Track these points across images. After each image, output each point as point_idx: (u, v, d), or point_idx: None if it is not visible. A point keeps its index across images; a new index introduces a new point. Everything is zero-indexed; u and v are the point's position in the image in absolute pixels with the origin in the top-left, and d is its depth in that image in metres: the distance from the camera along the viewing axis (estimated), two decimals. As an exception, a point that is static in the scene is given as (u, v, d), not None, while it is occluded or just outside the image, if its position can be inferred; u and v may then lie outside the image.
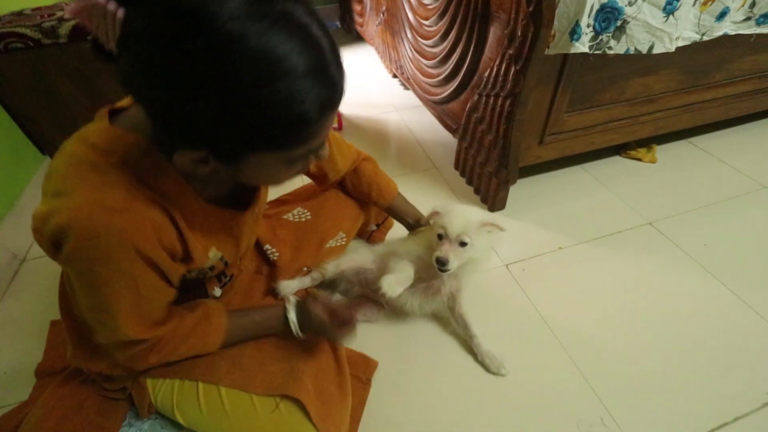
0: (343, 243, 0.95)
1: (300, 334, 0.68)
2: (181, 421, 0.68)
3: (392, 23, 1.74)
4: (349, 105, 1.81)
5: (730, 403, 0.78)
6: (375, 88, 2.00)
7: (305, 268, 0.88)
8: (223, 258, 0.64)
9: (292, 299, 0.71)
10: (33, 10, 1.32)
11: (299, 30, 0.38)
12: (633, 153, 1.43)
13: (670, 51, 1.02)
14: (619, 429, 0.75)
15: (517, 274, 1.04)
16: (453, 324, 0.91)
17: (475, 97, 1.14)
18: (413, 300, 0.86)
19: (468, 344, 0.88)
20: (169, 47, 0.35)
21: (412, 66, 1.60)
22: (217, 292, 0.74)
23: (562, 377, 0.83)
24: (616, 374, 0.83)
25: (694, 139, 1.52)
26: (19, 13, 1.30)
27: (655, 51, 1.01)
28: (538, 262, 1.07)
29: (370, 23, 2.09)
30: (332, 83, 0.42)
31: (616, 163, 1.42)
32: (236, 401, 0.64)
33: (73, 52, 1.21)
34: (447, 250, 0.76)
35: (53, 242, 0.46)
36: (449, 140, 1.57)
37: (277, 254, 0.87)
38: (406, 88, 1.95)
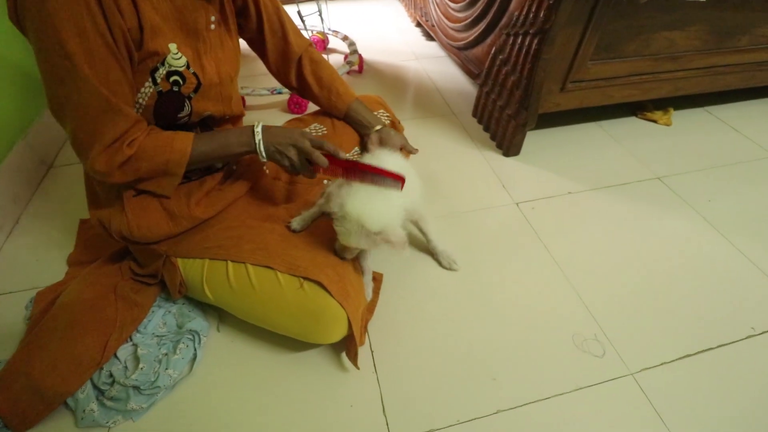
0: (358, 157, 0.96)
1: (263, 154, 0.68)
2: (209, 296, 0.74)
3: (420, -33, 1.71)
4: (370, 51, 1.81)
5: (716, 331, 0.84)
6: (397, 36, 1.98)
7: (325, 180, 0.91)
8: (189, 67, 0.63)
9: (258, 128, 0.69)
10: None
11: None
12: (649, 114, 1.45)
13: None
14: (610, 344, 0.81)
15: (526, 212, 1.08)
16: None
17: (503, 38, 1.15)
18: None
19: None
20: None
21: (438, 11, 1.59)
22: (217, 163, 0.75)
23: (560, 297, 0.89)
24: (611, 299, 0.89)
25: (711, 108, 1.53)
26: None
27: (688, -1, 1.01)
28: (548, 203, 1.11)
29: (396, -31, 2.04)
30: None
31: (632, 122, 1.44)
32: (263, 278, 0.69)
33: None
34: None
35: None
36: (469, 89, 1.59)
37: None
38: (429, 39, 1.94)
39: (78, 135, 0.57)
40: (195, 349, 0.75)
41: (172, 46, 0.60)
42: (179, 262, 0.74)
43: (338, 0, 2.36)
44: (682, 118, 1.47)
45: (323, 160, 0.69)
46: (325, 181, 0.86)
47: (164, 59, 0.60)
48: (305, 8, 1.61)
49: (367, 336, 0.81)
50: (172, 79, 0.62)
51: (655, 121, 1.44)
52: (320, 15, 1.64)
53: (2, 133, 1.05)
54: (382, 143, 0.87)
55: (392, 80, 1.66)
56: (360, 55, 1.65)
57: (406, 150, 0.91)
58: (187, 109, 0.67)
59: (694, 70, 1.30)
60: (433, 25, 1.70)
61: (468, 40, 1.38)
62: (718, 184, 1.20)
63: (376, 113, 0.92)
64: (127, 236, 0.70)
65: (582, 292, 0.90)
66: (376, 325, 0.83)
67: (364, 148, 0.90)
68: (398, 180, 0.66)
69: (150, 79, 0.60)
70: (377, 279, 0.89)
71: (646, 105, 1.46)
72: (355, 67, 1.63)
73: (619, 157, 1.28)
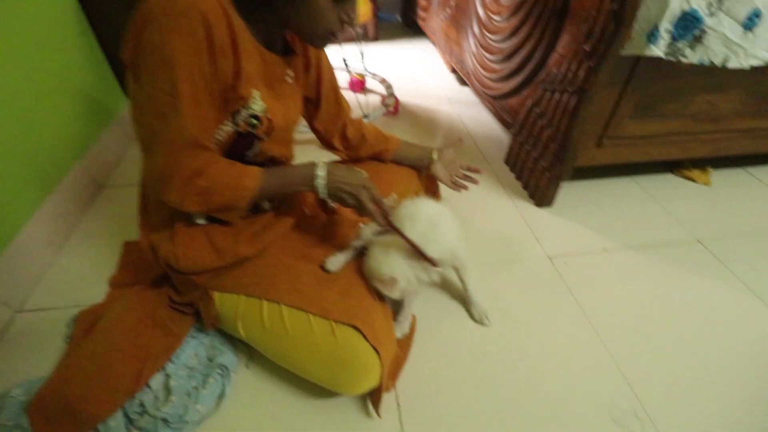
0: (395, 205, 0.99)
1: (325, 193, 0.71)
2: (242, 333, 0.75)
3: (459, 18, 1.79)
4: (405, 93, 1.88)
5: (764, 420, 0.79)
6: (431, 80, 2.06)
7: (361, 225, 0.93)
8: (265, 112, 0.68)
9: (322, 162, 0.73)
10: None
11: None
12: (687, 172, 1.43)
13: (744, 68, 1.02)
14: (651, 423, 0.77)
15: (559, 267, 1.06)
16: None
17: (539, 92, 1.18)
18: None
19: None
20: None
21: (475, 61, 1.64)
22: (266, 204, 0.81)
23: (596, 363, 0.86)
24: (650, 368, 0.85)
25: (751, 169, 1.50)
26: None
27: (729, 65, 1.02)
28: (582, 259, 1.09)
29: (434, 17, 2.15)
30: None
31: (668, 180, 1.42)
32: (296, 320, 0.70)
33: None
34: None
35: (136, 30, 0.55)
36: (501, 136, 1.61)
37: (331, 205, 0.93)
38: (463, 84, 2.00)
39: (161, 166, 0.62)
40: (224, 385, 0.76)
41: (256, 93, 0.66)
42: (216, 295, 0.76)
43: (377, 43, 2.48)
44: (721, 177, 1.44)
45: (380, 220, 0.75)
46: (361, 225, 0.88)
47: (248, 103, 0.66)
48: (346, 50, 1.70)
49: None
50: (250, 121, 0.68)
51: (693, 180, 1.42)
52: (361, 57, 1.73)
53: (62, 154, 1.13)
54: (447, 168, 1.04)
55: (426, 123, 1.71)
56: (396, 98, 1.72)
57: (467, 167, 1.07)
58: (255, 149, 0.73)
59: (734, 132, 1.29)
60: (468, 73, 1.76)
61: (503, 91, 1.42)
62: (761, 250, 1.15)
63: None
64: (172, 264, 0.73)
65: (619, 359, 0.86)
66: (403, 370, 0.82)
67: (426, 175, 1.06)
68: (431, 262, 0.74)
69: (231, 120, 0.66)
70: (412, 320, 0.89)
71: (683, 163, 1.44)
72: (391, 109, 1.69)
73: (656, 216, 1.26)
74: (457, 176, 1.06)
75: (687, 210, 1.29)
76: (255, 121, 0.68)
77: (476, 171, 1.07)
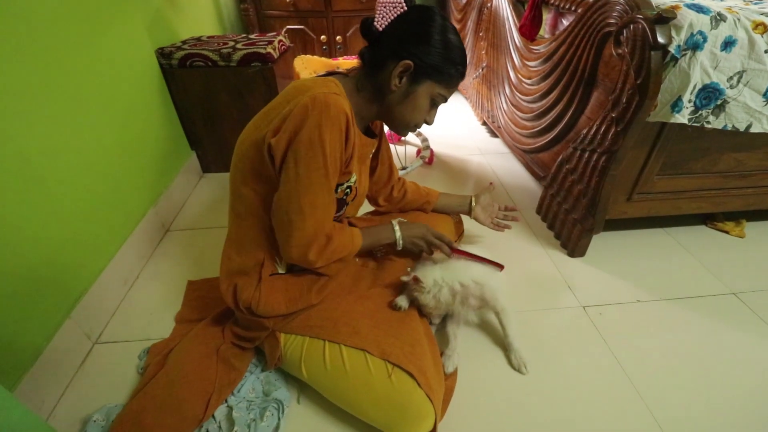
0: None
1: (401, 243, 0.94)
2: (304, 374, 0.82)
3: (490, 78, 1.93)
4: (438, 144, 2.00)
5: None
6: (464, 132, 2.18)
7: (408, 268, 1.01)
8: (355, 182, 0.85)
9: (395, 223, 0.95)
10: (208, 37, 1.67)
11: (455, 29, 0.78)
12: (720, 225, 1.45)
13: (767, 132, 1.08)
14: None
15: (593, 317, 1.10)
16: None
17: (569, 150, 1.26)
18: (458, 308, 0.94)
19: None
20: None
21: (506, 117, 1.76)
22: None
23: (631, 414, 0.87)
24: (688, 423, 0.85)
25: (788, 222, 1.50)
26: (198, 39, 1.65)
27: (753, 130, 1.08)
28: (616, 309, 1.12)
29: (466, 76, 2.31)
30: (465, 61, 0.80)
31: (702, 231, 1.44)
32: (355, 362, 0.77)
33: (237, 74, 1.52)
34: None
35: (294, 123, 0.69)
36: (532, 186, 1.69)
37: (382, 251, 1.03)
38: (494, 136, 2.11)
39: (311, 229, 0.75)
40: (279, 419, 0.82)
41: (355, 169, 0.84)
42: (282, 337, 0.84)
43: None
44: (756, 229, 1.45)
45: (446, 250, 0.98)
46: (408, 269, 0.97)
47: (350, 178, 0.83)
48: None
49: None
50: (346, 191, 0.85)
51: (727, 232, 1.44)
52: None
53: (142, 201, 1.29)
54: (486, 211, 1.20)
55: (458, 172, 1.81)
56: (431, 149, 1.84)
57: (505, 207, 1.23)
58: (342, 212, 0.90)
59: (764, 187, 1.32)
60: (500, 127, 1.87)
61: (534, 146, 1.52)
62: (802, 306, 1.15)
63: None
64: (252, 308, 0.83)
65: (654, 408, 0.88)
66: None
67: (455, 223, 1.22)
68: (498, 266, 0.98)
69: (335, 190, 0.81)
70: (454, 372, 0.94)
71: (717, 215, 1.47)
72: (427, 160, 1.81)
73: (690, 267, 1.28)
74: (497, 218, 1.19)
75: (721, 262, 1.30)
76: (348, 191, 0.85)
77: (514, 210, 1.21)
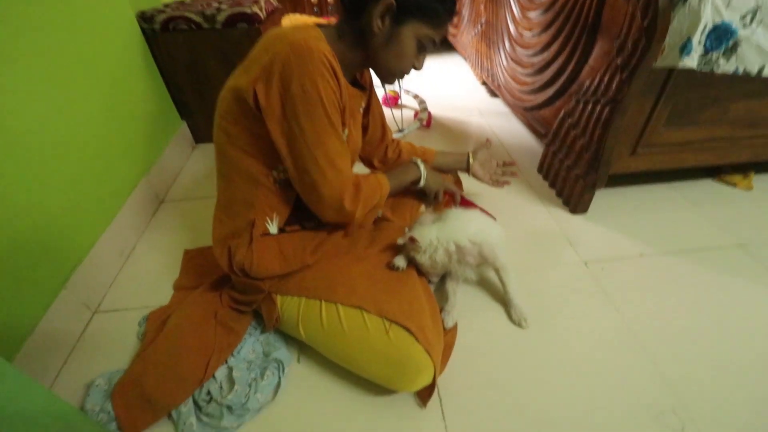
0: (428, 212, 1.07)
1: (423, 185, 1.00)
2: (302, 334, 0.82)
3: (490, 34, 1.85)
4: (437, 106, 1.94)
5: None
6: (462, 93, 2.11)
7: (406, 228, 0.99)
8: (347, 138, 0.81)
9: (421, 164, 1.00)
10: (192, -1, 1.59)
11: None
12: (728, 178, 1.41)
13: (782, 75, 1.02)
14: (690, 421, 0.77)
15: (595, 272, 1.08)
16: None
17: (572, 103, 1.21)
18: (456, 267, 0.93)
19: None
20: None
21: (506, 74, 1.69)
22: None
23: (634, 364, 0.87)
24: (690, 372, 0.85)
25: (797, 173, 1.46)
26: (182, 1, 1.57)
27: (765, 74, 1.02)
28: (619, 264, 1.10)
29: (464, 34, 2.21)
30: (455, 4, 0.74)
31: (708, 185, 1.41)
32: (352, 320, 0.77)
33: (224, 36, 1.45)
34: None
35: (280, 77, 0.65)
36: (532, 145, 1.64)
37: (380, 212, 1.01)
38: (493, 96, 2.05)
39: (334, 183, 0.74)
40: (279, 377, 0.83)
41: (346, 122, 0.79)
42: (278, 298, 0.83)
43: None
44: (764, 182, 1.41)
45: (457, 198, 1.10)
46: (406, 229, 0.95)
47: (344, 130, 0.79)
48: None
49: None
50: None
51: (734, 185, 1.40)
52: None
53: (132, 171, 1.26)
54: (484, 168, 1.17)
55: (458, 134, 1.76)
56: (429, 112, 1.78)
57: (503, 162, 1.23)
58: None
59: (776, 136, 1.27)
60: (499, 86, 1.80)
61: (535, 102, 1.46)
62: (810, 256, 1.13)
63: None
64: (246, 270, 0.81)
65: (658, 360, 0.87)
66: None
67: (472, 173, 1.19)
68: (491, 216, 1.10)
69: None
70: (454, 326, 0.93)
71: (724, 168, 1.42)
72: (425, 123, 1.75)
73: (695, 222, 1.25)
74: (496, 173, 1.16)
75: (728, 215, 1.27)
76: None
77: (512, 164, 1.18)
